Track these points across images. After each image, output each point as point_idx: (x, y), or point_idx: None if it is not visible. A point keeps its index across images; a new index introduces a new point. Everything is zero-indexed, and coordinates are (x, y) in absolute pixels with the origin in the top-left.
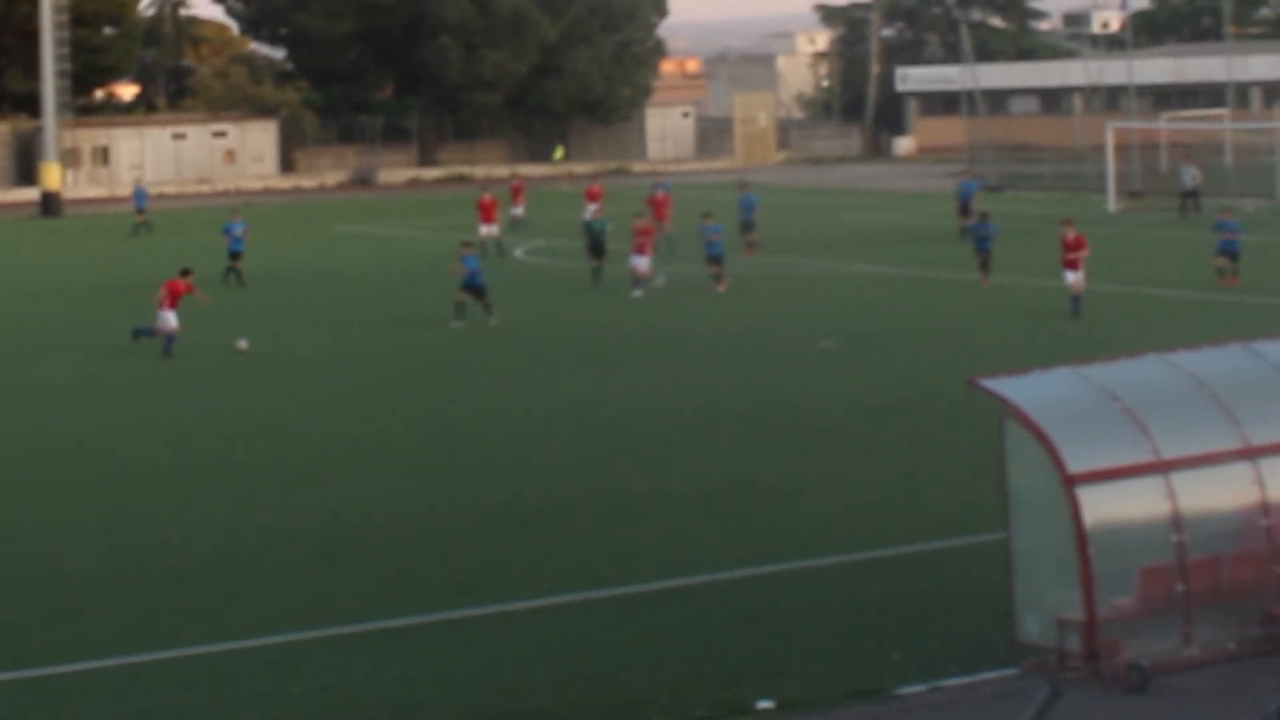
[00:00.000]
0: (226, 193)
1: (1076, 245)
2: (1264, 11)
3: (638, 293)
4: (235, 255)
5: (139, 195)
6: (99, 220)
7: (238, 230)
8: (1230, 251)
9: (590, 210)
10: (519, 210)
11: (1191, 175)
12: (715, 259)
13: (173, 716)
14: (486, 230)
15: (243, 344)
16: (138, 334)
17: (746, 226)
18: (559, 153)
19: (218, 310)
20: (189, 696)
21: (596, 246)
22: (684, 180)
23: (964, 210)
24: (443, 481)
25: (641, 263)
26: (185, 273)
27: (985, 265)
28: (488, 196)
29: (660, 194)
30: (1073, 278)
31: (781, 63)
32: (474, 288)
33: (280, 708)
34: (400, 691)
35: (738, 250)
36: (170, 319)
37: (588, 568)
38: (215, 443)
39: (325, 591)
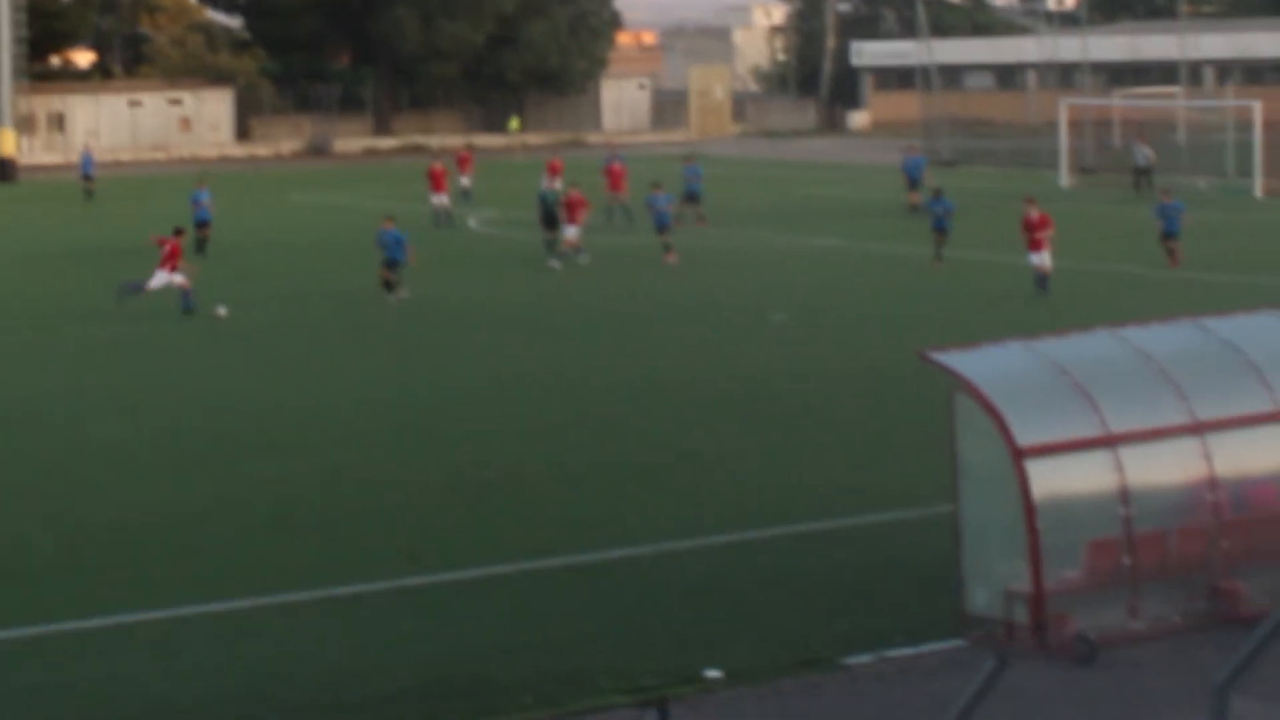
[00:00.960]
0: (182, 160)
1: (1041, 224)
2: None
3: (580, 259)
4: (202, 224)
5: (86, 161)
6: (54, 187)
7: (204, 199)
8: (1172, 233)
9: (547, 183)
10: (466, 181)
11: (1145, 154)
12: (663, 229)
13: (120, 683)
14: (438, 200)
15: (222, 310)
16: (135, 290)
17: (691, 197)
18: (515, 124)
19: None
20: (137, 663)
21: (550, 218)
22: (639, 152)
23: (913, 185)
24: (391, 451)
25: (571, 232)
26: (178, 232)
27: (940, 246)
28: (439, 166)
29: (617, 165)
30: (1037, 258)
31: (738, 36)
32: (393, 262)
33: (227, 674)
34: (347, 659)
35: (684, 222)
36: (160, 278)
37: (535, 537)
38: (165, 411)
39: (273, 559)
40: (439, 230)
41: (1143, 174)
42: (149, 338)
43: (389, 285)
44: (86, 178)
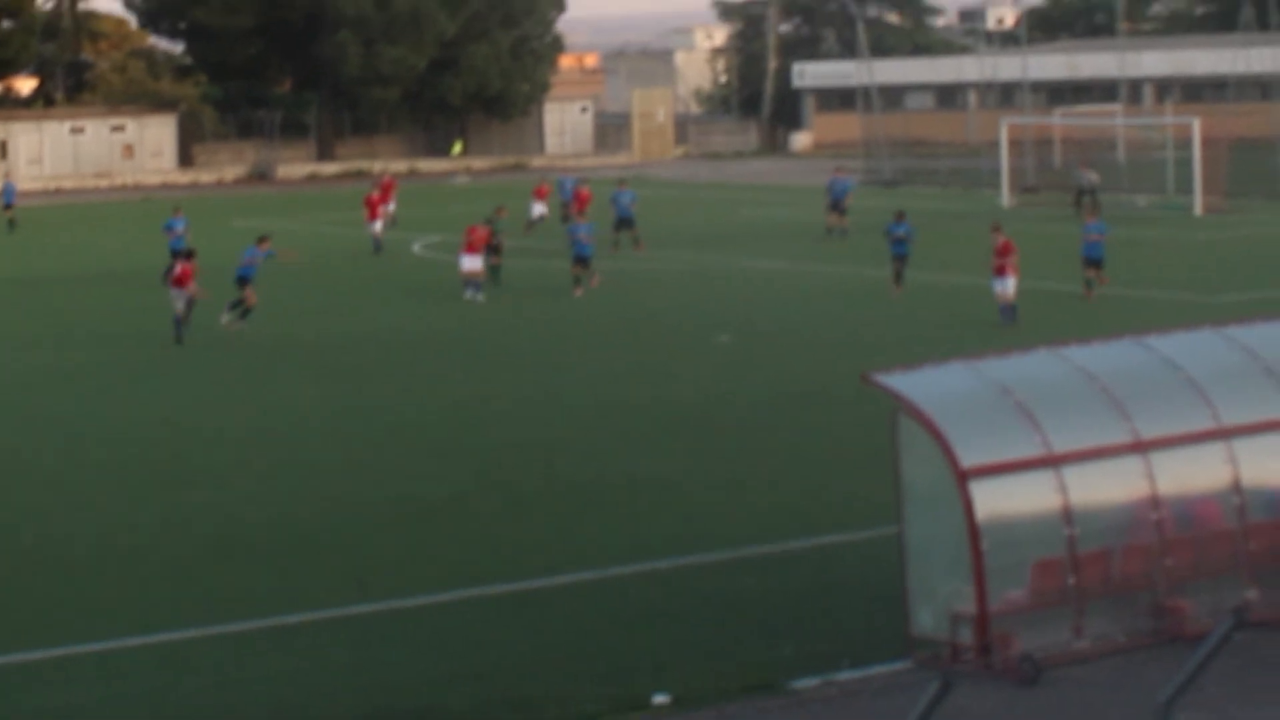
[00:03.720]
0: (125, 187)
1: (1004, 251)
2: (1156, 8)
3: (469, 294)
4: (176, 253)
5: (8, 191)
6: None
7: (179, 228)
8: (1094, 258)
9: (536, 209)
10: (390, 207)
11: (1088, 179)
12: (581, 259)
13: (64, 715)
14: (374, 228)
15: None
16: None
17: (624, 223)
18: (457, 148)
19: (112, 304)
20: (81, 695)
21: (493, 245)
22: (582, 176)
23: (835, 208)
24: (334, 478)
25: (473, 263)
26: (189, 256)
27: (899, 273)
28: (376, 194)
29: (585, 189)
30: (1000, 286)
31: (680, 58)
32: (244, 279)
33: (172, 705)
34: (292, 688)
35: (608, 248)
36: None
37: (479, 563)
38: (106, 438)
39: (217, 588)
40: (379, 256)
41: (1086, 194)
42: (87, 365)
43: (247, 309)
44: (7, 207)
